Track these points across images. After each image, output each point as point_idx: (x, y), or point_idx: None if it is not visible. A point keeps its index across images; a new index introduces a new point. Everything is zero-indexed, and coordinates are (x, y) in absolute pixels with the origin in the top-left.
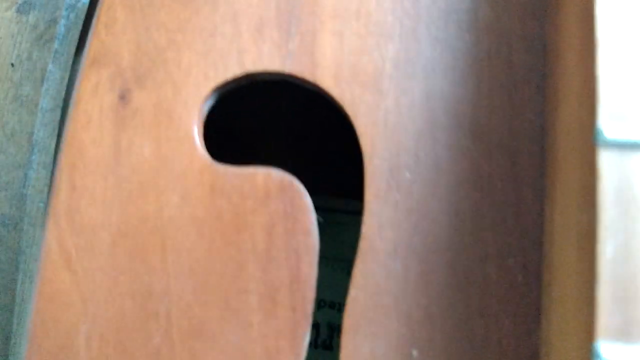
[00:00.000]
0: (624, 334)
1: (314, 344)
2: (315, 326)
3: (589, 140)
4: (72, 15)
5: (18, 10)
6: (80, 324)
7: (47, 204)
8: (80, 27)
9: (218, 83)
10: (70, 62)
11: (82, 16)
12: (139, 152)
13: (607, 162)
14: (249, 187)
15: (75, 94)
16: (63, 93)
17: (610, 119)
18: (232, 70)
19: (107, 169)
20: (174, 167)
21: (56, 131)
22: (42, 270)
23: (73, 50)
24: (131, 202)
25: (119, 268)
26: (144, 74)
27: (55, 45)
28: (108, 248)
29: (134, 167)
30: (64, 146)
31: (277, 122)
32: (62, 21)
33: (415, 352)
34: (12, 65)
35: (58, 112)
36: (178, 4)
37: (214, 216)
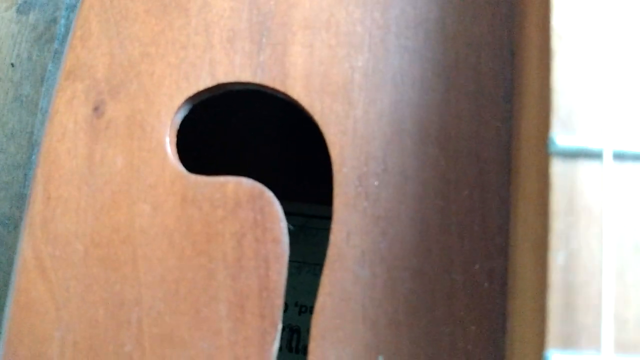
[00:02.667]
0: (573, 342)
1: (295, 349)
2: (296, 331)
3: (543, 149)
4: (72, 15)
5: (18, 10)
6: (54, 332)
7: None
8: None
9: (190, 94)
10: None
11: None
12: (111, 163)
13: (558, 171)
14: (219, 196)
15: (50, 107)
16: None
17: (563, 129)
18: (204, 81)
19: (81, 180)
20: (146, 178)
21: None
22: (17, 279)
23: None
24: (104, 213)
25: (92, 277)
26: (118, 86)
27: (55, 45)
28: (81, 257)
29: (106, 177)
30: (40, 157)
31: (255, 131)
32: (62, 21)
33: (381, 359)
34: (12, 65)
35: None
36: (152, 17)
37: (184, 226)
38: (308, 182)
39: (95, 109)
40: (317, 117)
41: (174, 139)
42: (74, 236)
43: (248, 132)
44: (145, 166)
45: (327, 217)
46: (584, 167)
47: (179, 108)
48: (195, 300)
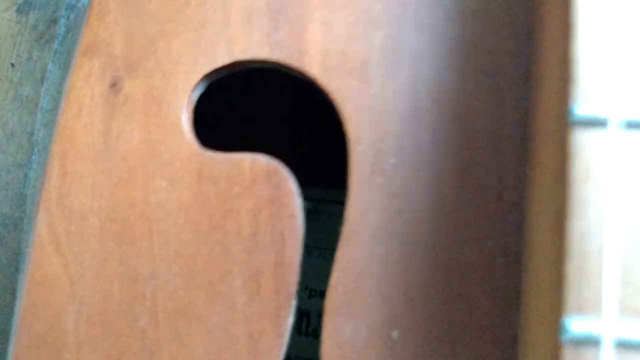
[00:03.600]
0: (590, 308)
1: (304, 332)
2: (306, 314)
3: (562, 119)
4: (72, 15)
5: (18, 10)
6: (69, 306)
7: None
8: (80, 27)
9: (207, 71)
10: (70, 62)
11: (82, 16)
12: (128, 139)
13: (577, 140)
14: (235, 172)
15: (67, 83)
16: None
17: (583, 99)
18: (221, 58)
19: (97, 156)
20: (163, 154)
21: None
22: (32, 255)
23: (73, 50)
24: (120, 188)
25: (107, 252)
26: (135, 63)
27: (55, 45)
28: (97, 233)
29: (123, 153)
30: (56, 134)
31: (270, 113)
32: (62, 21)
33: (395, 334)
34: (12, 65)
35: (58, 112)
36: None
37: (200, 201)
38: (318, 166)
39: (112, 85)
40: (334, 94)
41: (191, 116)
42: (89, 211)
43: (258, 115)
44: (162, 142)
45: (337, 202)
46: (602, 136)
47: (196, 85)
48: (210, 275)
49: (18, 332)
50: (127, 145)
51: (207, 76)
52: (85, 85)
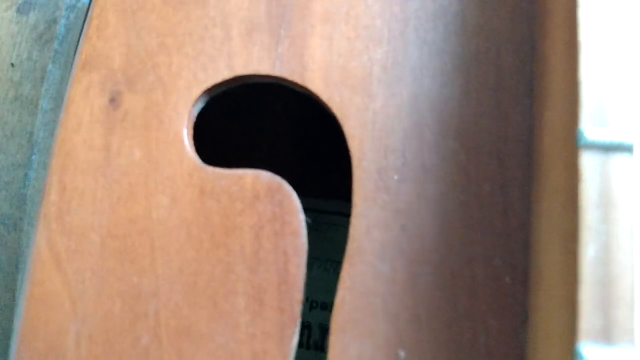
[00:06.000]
0: (605, 336)
1: (305, 345)
2: (307, 327)
3: (571, 142)
4: (72, 15)
5: (18, 10)
6: (70, 325)
7: None
8: (80, 27)
9: (208, 86)
10: (70, 62)
11: (82, 16)
12: (128, 154)
13: (588, 164)
14: (237, 189)
15: (66, 97)
16: (63, 93)
17: (592, 121)
18: (222, 73)
19: (97, 171)
20: (164, 170)
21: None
22: (32, 271)
23: (73, 50)
24: (121, 204)
25: (108, 269)
26: (135, 77)
27: (55, 45)
28: (98, 249)
29: (123, 169)
30: (55, 148)
31: (271, 126)
32: (62, 21)
33: (402, 353)
34: (12, 65)
35: (58, 112)
36: (169, 8)
37: (202, 218)
38: (319, 177)
39: (112, 100)
40: (336, 110)
41: (191, 132)
42: (90, 228)
43: (258, 127)
44: (163, 158)
45: (338, 213)
46: (614, 159)
47: (197, 100)
48: (213, 293)
49: (17, 350)
50: (128, 160)
51: (208, 91)
52: (84, 100)
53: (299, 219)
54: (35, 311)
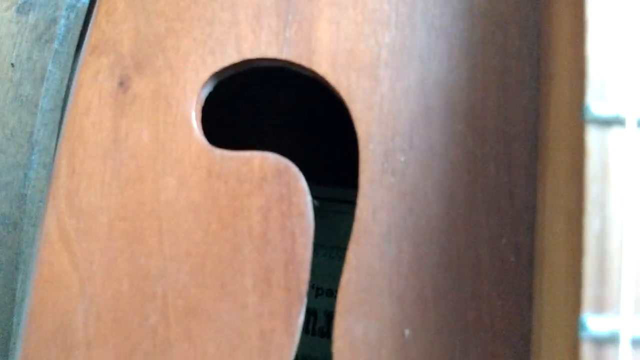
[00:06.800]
0: (608, 306)
1: (311, 331)
2: (313, 313)
3: (577, 118)
4: (72, 15)
5: (18, 10)
6: (78, 305)
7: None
8: (80, 27)
9: (216, 69)
10: (70, 62)
11: (82, 16)
12: (137, 137)
13: (593, 138)
14: (245, 171)
15: (75, 81)
16: (63, 93)
17: (598, 97)
18: (230, 57)
19: (106, 154)
20: (172, 152)
21: (56, 131)
22: (41, 252)
23: (73, 50)
24: (129, 186)
25: (117, 250)
26: (143, 61)
27: (55, 45)
28: (106, 230)
29: (132, 151)
30: (64, 131)
31: (277, 112)
32: (62, 21)
33: (407, 332)
34: (12, 65)
35: (58, 112)
36: None
37: (210, 199)
38: (324, 165)
39: (121, 83)
40: (343, 93)
41: (200, 115)
42: (98, 209)
43: (263, 112)
44: (171, 140)
45: (344, 200)
46: (618, 134)
47: (205, 83)
48: (220, 273)
49: (27, 330)
50: (136, 143)
51: (216, 75)
52: (93, 84)
53: (306, 201)
54: (44, 291)
